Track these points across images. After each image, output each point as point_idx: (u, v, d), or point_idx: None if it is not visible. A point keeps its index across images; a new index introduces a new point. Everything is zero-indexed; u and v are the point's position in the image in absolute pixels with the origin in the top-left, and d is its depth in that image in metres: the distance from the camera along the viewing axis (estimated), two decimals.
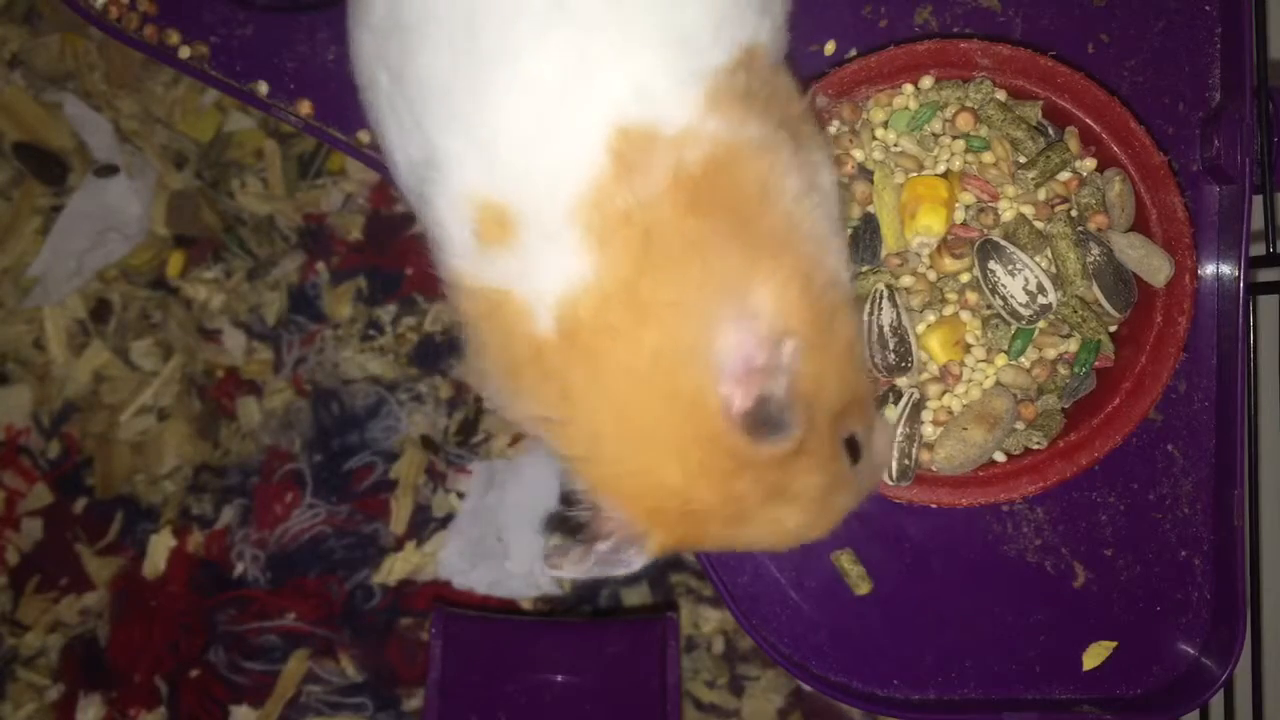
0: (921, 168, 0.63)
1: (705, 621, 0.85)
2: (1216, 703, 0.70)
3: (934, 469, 0.63)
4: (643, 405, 0.48)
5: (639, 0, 0.48)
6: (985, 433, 0.61)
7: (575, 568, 0.51)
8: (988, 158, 0.62)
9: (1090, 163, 0.64)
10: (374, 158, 0.70)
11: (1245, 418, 0.66)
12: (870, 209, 0.62)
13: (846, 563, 0.68)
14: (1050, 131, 0.64)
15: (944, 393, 0.62)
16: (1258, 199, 0.67)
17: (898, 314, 0.61)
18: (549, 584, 0.86)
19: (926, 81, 0.64)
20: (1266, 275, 0.70)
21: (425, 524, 0.86)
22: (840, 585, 0.69)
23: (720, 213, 0.48)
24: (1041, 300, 0.61)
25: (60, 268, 0.87)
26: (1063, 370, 0.63)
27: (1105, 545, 0.69)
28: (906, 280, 0.62)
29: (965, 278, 0.62)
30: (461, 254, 0.50)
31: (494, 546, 0.86)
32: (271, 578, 0.85)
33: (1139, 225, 0.64)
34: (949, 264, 0.61)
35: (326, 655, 0.85)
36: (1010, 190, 0.62)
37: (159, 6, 0.71)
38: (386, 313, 0.86)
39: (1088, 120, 0.63)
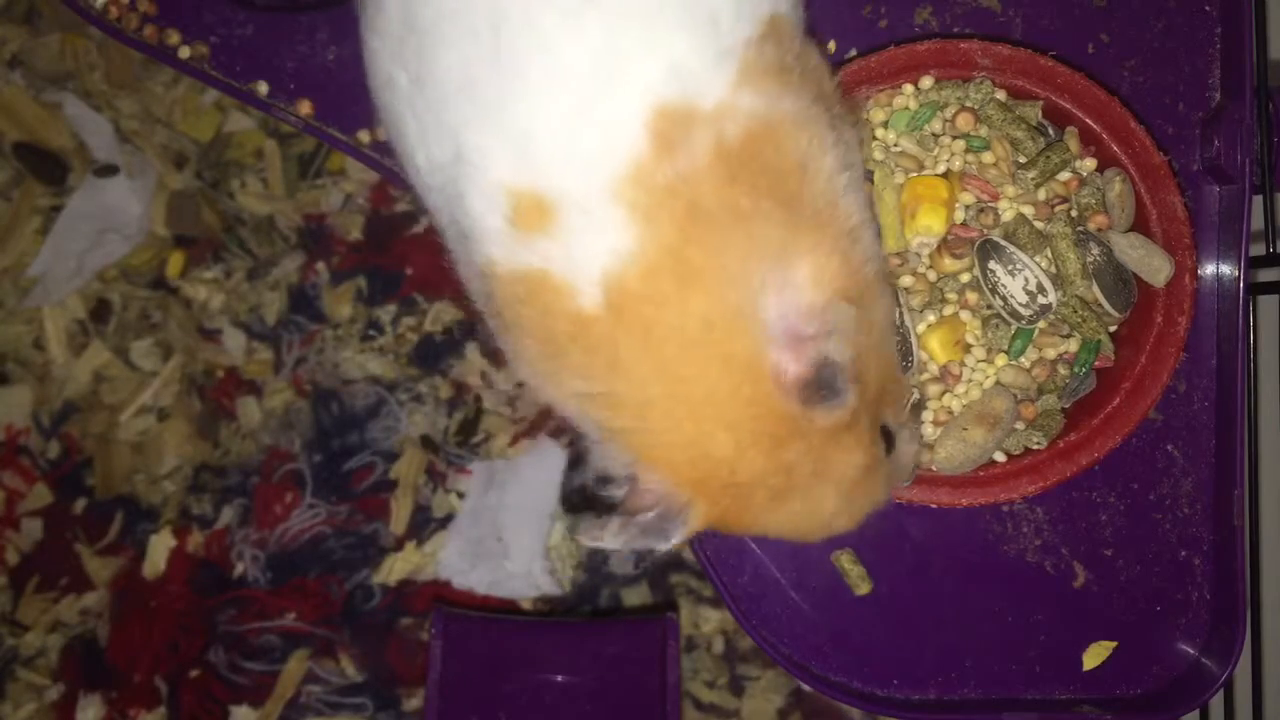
0: (921, 168, 0.63)
1: (705, 621, 0.86)
2: (1216, 703, 0.70)
3: (934, 469, 0.63)
4: (694, 371, 0.48)
5: None
6: (985, 433, 0.61)
7: (615, 539, 0.51)
8: (988, 158, 0.62)
9: (1090, 163, 0.64)
10: (374, 158, 0.70)
11: (1245, 418, 0.66)
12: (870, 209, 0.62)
13: (846, 563, 0.68)
14: (1050, 131, 0.64)
15: (944, 393, 0.62)
16: (1258, 199, 0.67)
17: (900, 313, 0.61)
18: (549, 584, 0.86)
19: (926, 81, 0.64)
20: (1266, 275, 0.70)
21: (425, 524, 0.86)
22: (840, 585, 0.69)
23: (762, 185, 0.49)
24: (1041, 300, 0.61)
25: (60, 268, 0.87)
26: (1063, 370, 0.63)
27: (1105, 545, 0.69)
28: (906, 280, 0.62)
29: (965, 278, 0.62)
30: (496, 242, 0.50)
31: (494, 546, 0.86)
32: (271, 578, 0.85)
33: (1139, 225, 0.64)
34: (949, 264, 0.61)
35: (326, 655, 0.85)
36: (1010, 190, 0.62)
37: (159, 6, 0.71)
38: (386, 313, 0.86)
39: (1088, 120, 0.63)
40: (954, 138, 0.63)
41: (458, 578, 0.86)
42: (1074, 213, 0.63)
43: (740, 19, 0.51)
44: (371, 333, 0.87)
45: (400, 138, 0.55)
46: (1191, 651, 0.68)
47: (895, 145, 0.63)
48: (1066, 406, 0.64)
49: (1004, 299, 0.61)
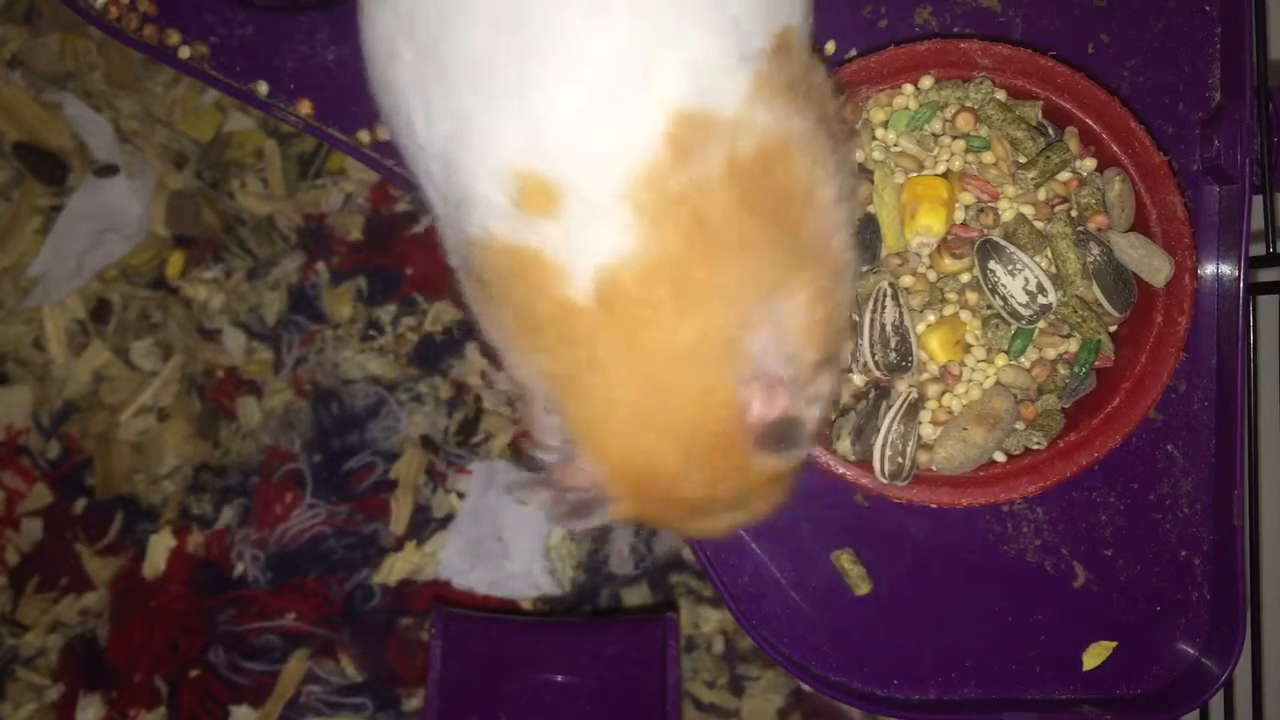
0: (921, 168, 0.63)
1: (705, 621, 0.85)
2: (1216, 703, 0.70)
3: (934, 469, 0.63)
4: (670, 386, 0.48)
5: None
6: (985, 433, 0.61)
7: (541, 508, 0.52)
8: (988, 158, 0.62)
9: (1090, 163, 0.64)
10: (374, 158, 0.70)
11: (1245, 418, 0.66)
12: (870, 209, 0.62)
13: (846, 563, 0.68)
14: (1050, 131, 0.64)
15: (944, 393, 0.62)
16: (1258, 199, 0.67)
17: (900, 313, 0.61)
18: (549, 584, 0.86)
19: (926, 81, 0.64)
20: (1266, 275, 0.70)
21: (425, 524, 0.86)
22: (840, 585, 0.69)
23: (769, 208, 0.49)
24: (1041, 300, 0.61)
25: (60, 268, 0.87)
26: (1063, 370, 0.63)
27: (1105, 545, 0.69)
28: (906, 280, 0.62)
29: (965, 278, 0.62)
30: (496, 216, 0.50)
31: (494, 546, 0.86)
32: (271, 578, 0.85)
33: (1139, 225, 0.64)
34: (949, 264, 0.61)
35: (326, 655, 0.85)
36: (1010, 190, 0.62)
37: (159, 6, 0.71)
38: (386, 313, 0.86)
39: (1088, 120, 0.63)
40: (954, 138, 0.63)
41: (458, 578, 0.86)
42: (1074, 213, 0.63)
43: (759, 25, 0.50)
44: (371, 333, 0.86)
45: (399, 106, 0.54)
46: (1191, 651, 0.68)
47: (895, 145, 0.63)
48: (1066, 406, 0.64)
49: (1004, 299, 0.61)
